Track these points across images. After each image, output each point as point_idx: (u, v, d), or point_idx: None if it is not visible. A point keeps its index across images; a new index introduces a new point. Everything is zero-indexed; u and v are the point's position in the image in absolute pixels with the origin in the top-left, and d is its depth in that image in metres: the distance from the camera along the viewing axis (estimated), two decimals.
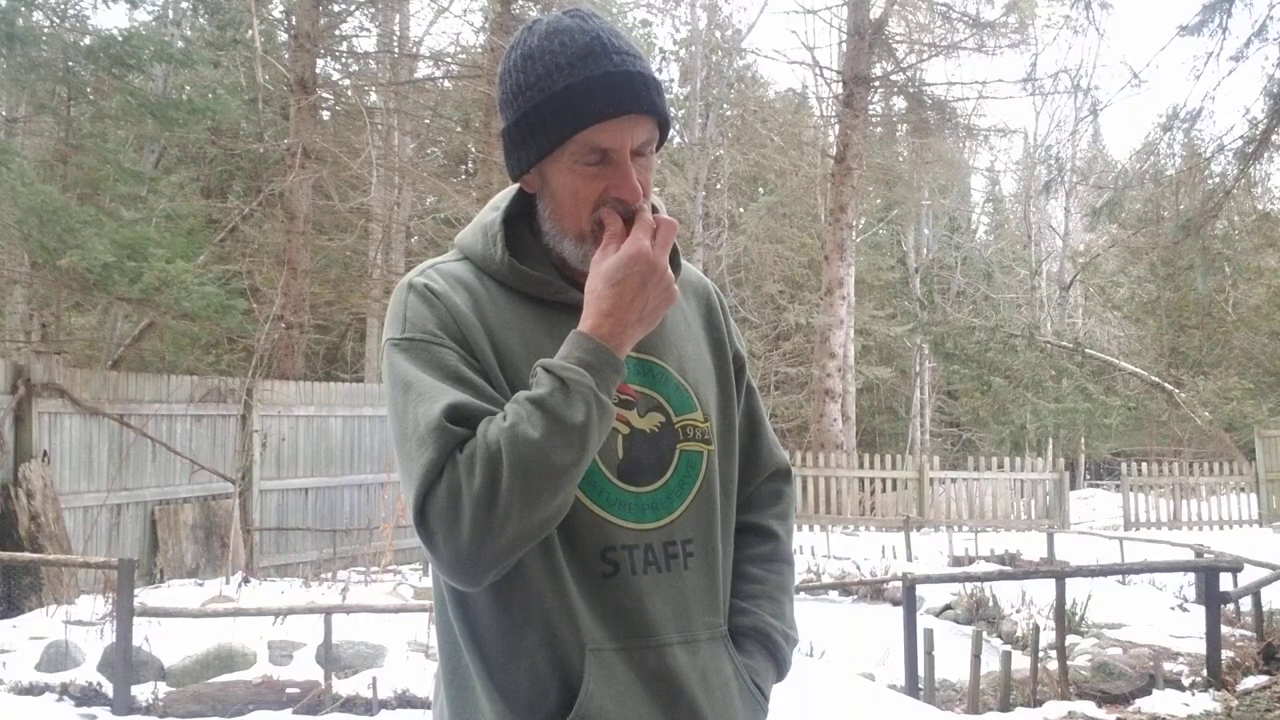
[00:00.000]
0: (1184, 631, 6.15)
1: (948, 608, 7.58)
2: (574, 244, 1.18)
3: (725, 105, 20.86)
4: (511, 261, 1.19)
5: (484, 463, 1.02)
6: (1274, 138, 8.44)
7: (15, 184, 6.85)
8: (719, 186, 21.97)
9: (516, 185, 1.25)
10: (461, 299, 1.16)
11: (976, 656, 4.86)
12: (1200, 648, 5.48)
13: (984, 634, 5.58)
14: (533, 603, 1.14)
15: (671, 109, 1.23)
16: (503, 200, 1.26)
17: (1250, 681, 5.26)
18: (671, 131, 1.28)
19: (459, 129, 15.74)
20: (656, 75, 1.18)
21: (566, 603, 1.13)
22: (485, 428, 1.05)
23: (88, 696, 4.85)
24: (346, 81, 14.76)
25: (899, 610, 5.63)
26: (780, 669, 1.29)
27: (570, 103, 1.11)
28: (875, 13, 15.79)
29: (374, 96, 14.18)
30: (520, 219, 1.24)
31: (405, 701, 4.79)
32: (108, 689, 4.82)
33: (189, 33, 14.04)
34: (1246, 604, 6.27)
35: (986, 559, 9.48)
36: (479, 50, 14.72)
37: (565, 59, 1.12)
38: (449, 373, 1.11)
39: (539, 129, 1.13)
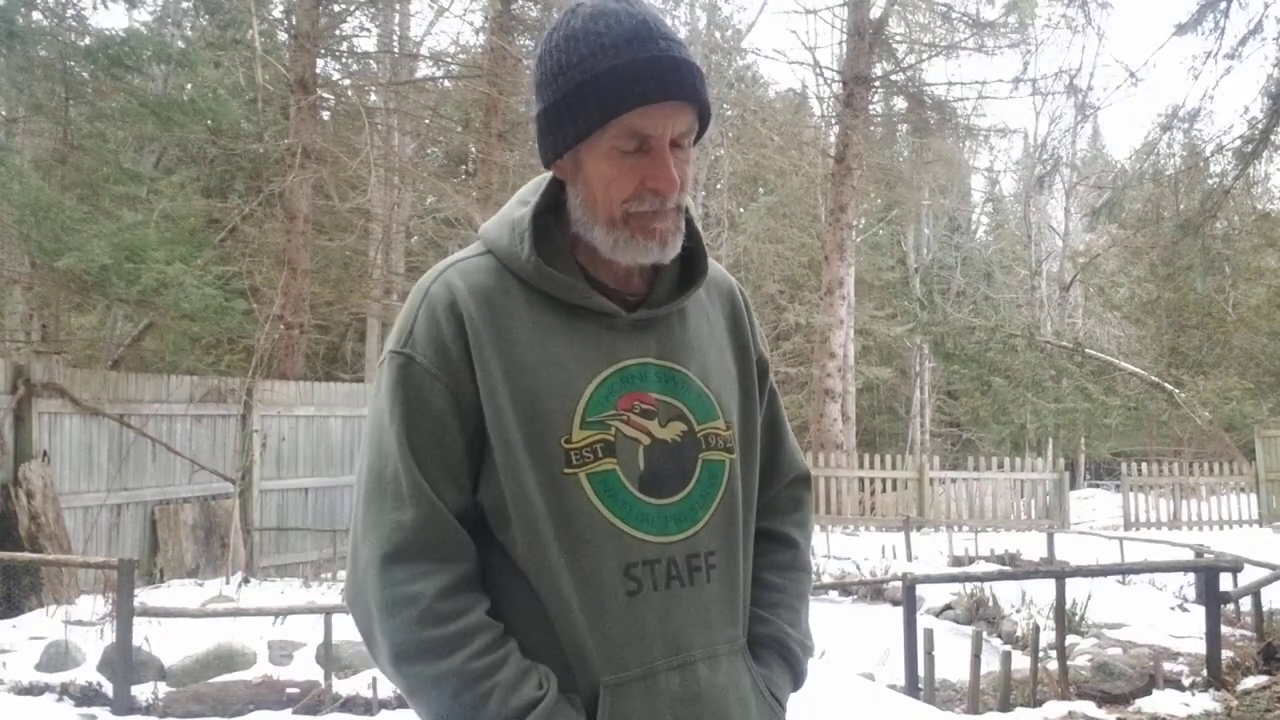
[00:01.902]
0: (1184, 631, 6.15)
1: (948, 608, 7.57)
2: (604, 231, 1.14)
3: (725, 105, 20.82)
4: (538, 262, 1.16)
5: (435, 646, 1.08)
6: (1273, 137, 8.43)
7: (11, 182, 6.84)
8: (719, 186, 21.97)
9: (545, 179, 1.22)
10: (477, 310, 1.13)
11: (976, 656, 4.85)
12: (1200, 648, 5.48)
13: (984, 634, 5.57)
14: (534, 629, 1.12)
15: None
16: (531, 194, 1.22)
17: (1250, 681, 5.25)
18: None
19: (459, 129, 15.73)
20: (702, 71, 1.15)
21: (579, 630, 1.11)
22: (456, 623, 1.09)
23: (88, 696, 4.83)
24: (346, 81, 14.75)
25: (899, 610, 5.62)
26: (797, 679, 1.27)
27: (615, 84, 1.08)
28: (875, 13, 15.77)
29: (374, 96, 14.18)
30: (547, 213, 1.21)
31: (405, 702, 4.78)
32: (108, 689, 4.81)
33: (189, 33, 14.04)
34: (1246, 604, 6.26)
35: (986, 559, 9.47)
36: (479, 50, 14.72)
37: (611, 40, 1.09)
38: (427, 441, 1.12)
39: (579, 110, 1.10)
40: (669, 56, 1.10)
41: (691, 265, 1.25)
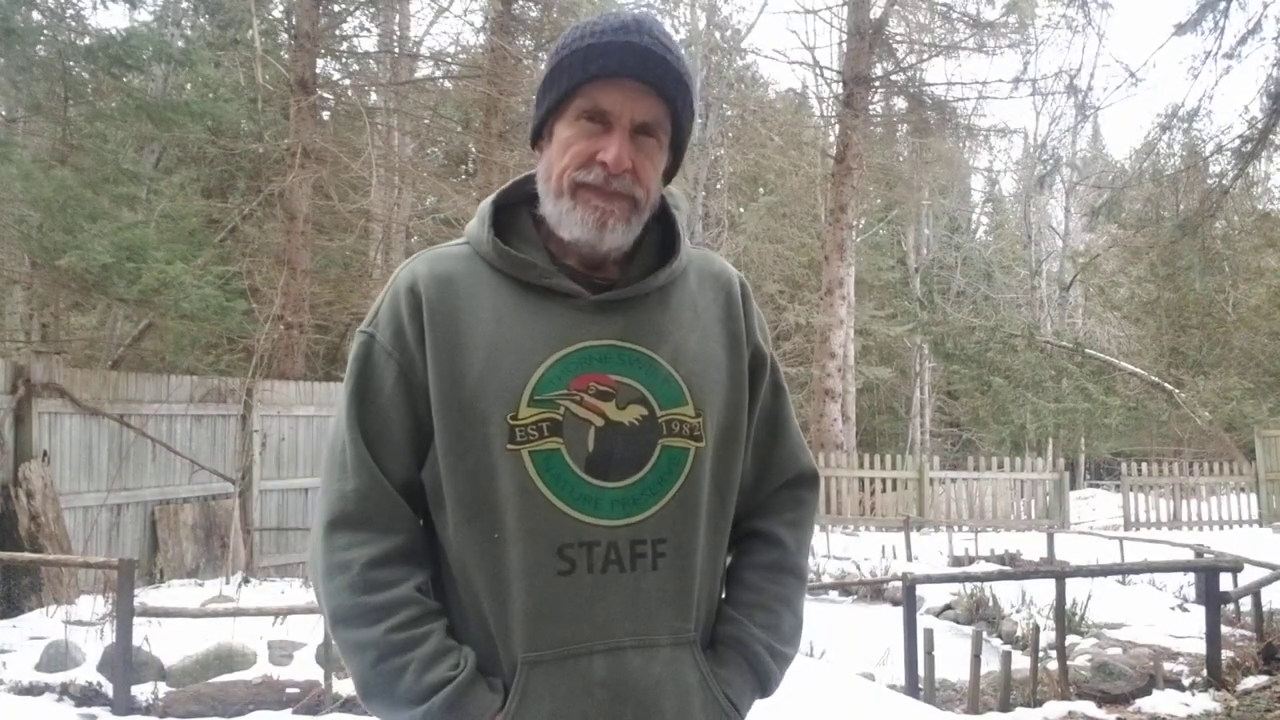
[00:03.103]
0: (1184, 631, 6.15)
1: (948, 608, 7.58)
2: (553, 201, 1.18)
3: (725, 105, 20.83)
4: (495, 241, 1.19)
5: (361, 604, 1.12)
6: (1273, 136, 8.42)
7: (27, 173, 6.81)
8: (719, 186, 21.97)
9: (518, 176, 1.27)
10: (436, 292, 1.17)
11: (976, 656, 4.85)
12: (1200, 648, 5.48)
13: (984, 634, 5.57)
14: (469, 605, 1.14)
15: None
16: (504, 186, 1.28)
17: (1250, 681, 5.25)
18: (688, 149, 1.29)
19: (459, 129, 15.74)
20: (689, 81, 1.19)
21: (505, 607, 1.11)
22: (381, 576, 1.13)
23: (88, 696, 4.82)
24: (347, 81, 14.74)
25: (899, 610, 5.62)
26: (763, 684, 1.22)
27: (586, 57, 1.14)
28: (875, 13, 15.78)
29: (374, 96, 14.18)
30: (521, 204, 1.25)
31: None
32: (108, 689, 4.80)
33: (189, 32, 14.02)
34: (1246, 604, 6.27)
35: (986, 559, 9.48)
36: (479, 50, 14.71)
37: (601, 28, 1.15)
38: (376, 416, 1.17)
39: (554, 82, 1.17)
40: (645, 47, 1.14)
41: (669, 252, 1.26)
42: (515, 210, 1.24)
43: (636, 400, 1.15)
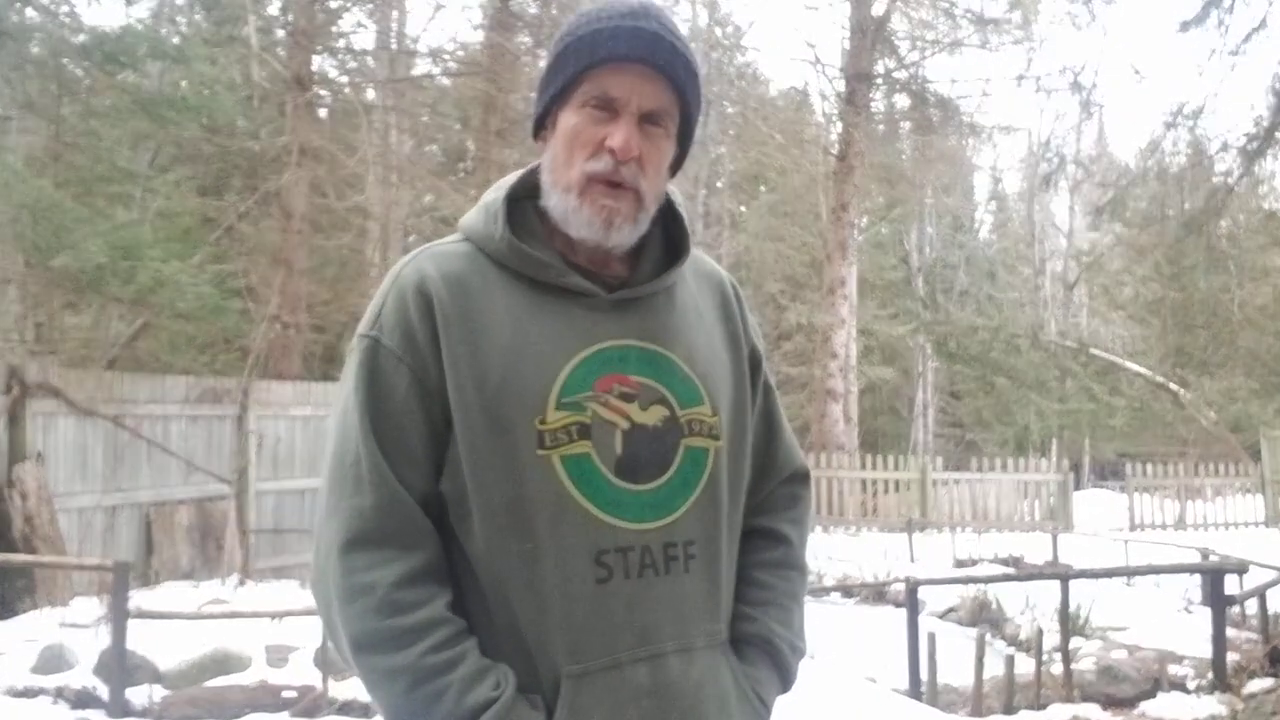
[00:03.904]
0: (1189, 634, 6.11)
1: (951, 610, 7.53)
2: (560, 196, 1.14)
3: (726, 103, 20.78)
4: (511, 240, 1.15)
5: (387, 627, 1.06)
6: (1279, 134, 8.36)
7: (7, 179, 6.79)
8: (720, 185, 21.95)
9: (524, 169, 1.24)
10: (447, 293, 1.12)
11: (980, 660, 4.81)
12: (1206, 650, 5.43)
13: (987, 637, 5.55)
14: (501, 619, 1.09)
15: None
16: (508, 180, 1.23)
17: (1256, 684, 5.20)
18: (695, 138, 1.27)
19: (457, 126, 15.71)
20: (697, 70, 1.17)
21: (543, 618, 1.08)
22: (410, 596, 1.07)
23: (83, 699, 4.80)
24: (343, 78, 14.69)
25: (902, 613, 5.59)
26: (785, 680, 1.24)
27: (592, 43, 1.12)
28: (878, 9, 15.73)
29: (371, 94, 14.12)
30: (527, 200, 1.21)
31: None
32: (103, 692, 4.78)
33: (184, 29, 13.98)
34: (1252, 606, 6.22)
35: (990, 561, 9.43)
36: (477, 47, 14.65)
37: (608, 14, 1.14)
38: (390, 426, 1.10)
39: (557, 70, 1.15)
40: (654, 32, 1.12)
41: (674, 249, 1.25)
42: (520, 205, 1.21)
43: (658, 401, 1.14)
